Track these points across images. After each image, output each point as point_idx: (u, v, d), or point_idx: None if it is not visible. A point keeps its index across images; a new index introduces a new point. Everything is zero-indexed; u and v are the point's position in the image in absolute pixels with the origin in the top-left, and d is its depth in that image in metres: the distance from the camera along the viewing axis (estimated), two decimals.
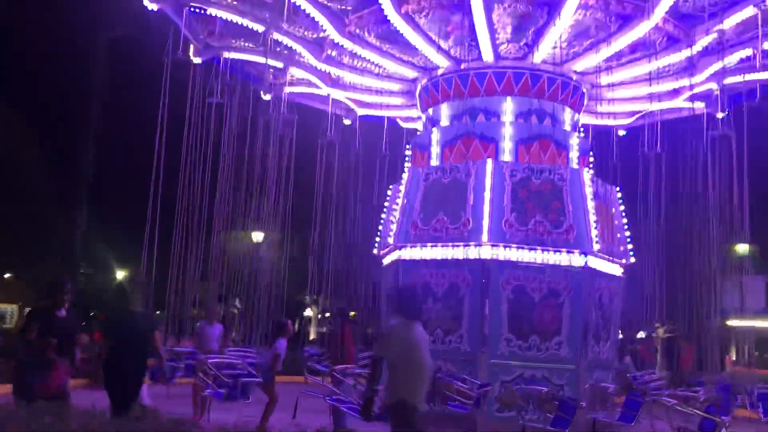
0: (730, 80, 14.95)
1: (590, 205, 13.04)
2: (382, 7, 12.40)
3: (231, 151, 17.78)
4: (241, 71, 17.60)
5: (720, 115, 16.86)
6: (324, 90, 16.80)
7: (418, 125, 16.33)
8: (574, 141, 14.14)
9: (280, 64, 16.42)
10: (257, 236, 28.94)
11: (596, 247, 12.83)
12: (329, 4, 13.26)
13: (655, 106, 15.90)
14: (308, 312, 42.45)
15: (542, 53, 13.22)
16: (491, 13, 12.27)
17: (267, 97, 18.88)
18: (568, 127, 14.29)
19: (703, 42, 12.90)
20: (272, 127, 18.52)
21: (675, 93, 15.69)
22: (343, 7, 13.33)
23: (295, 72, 16.78)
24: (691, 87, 14.71)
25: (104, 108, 34.93)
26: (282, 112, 18.39)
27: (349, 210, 20.59)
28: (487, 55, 13.20)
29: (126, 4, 16.38)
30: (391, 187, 15.69)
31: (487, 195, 12.72)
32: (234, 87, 17.75)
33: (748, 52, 13.96)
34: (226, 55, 16.82)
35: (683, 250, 21.64)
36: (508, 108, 13.76)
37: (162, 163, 14.46)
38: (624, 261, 14.11)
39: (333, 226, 20.10)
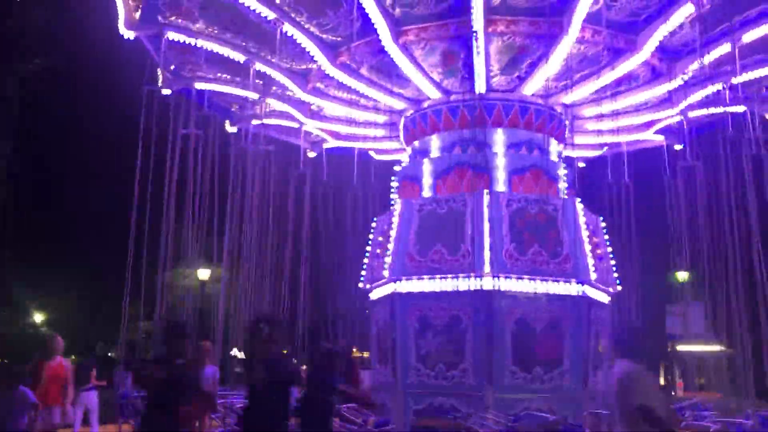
0: (696, 113, 15.65)
1: (584, 234, 13.22)
2: (380, 38, 12.28)
3: (195, 185, 17.09)
4: (209, 103, 17.10)
5: (678, 147, 17.62)
6: (302, 121, 16.47)
7: (403, 157, 16.23)
8: (562, 171, 14.36)
9: (256, 96, 16.02)
10: (203, 273, 28.16)
11: (593, 276, 12.98)
12: (322, 36, 13.05)
13: (628, 138, 16.43)
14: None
15: (534, 86, 13.44)
16: (489, 46, 12.36)
17: (233, 129, 18.44)
18: (555, 158, 14.52)
19: (684, 76, 13.40)
20: (235, 160, 18.04)
21: (647, 125, 16.24)
22: (336, 38, 13.15)
23: (271, 103, 16.41)
24: (664, 120, 15.30)
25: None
26: (250, 145, 17.94)
27: (319, 244, 20.16)
28: (480, 87, 13.29)
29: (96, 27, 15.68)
30: (375, 219, 15.46)
31: (486, 226, 12.68)
32: (203, 119, 17.16)
33: (718, 86, 14.62)
34: (198, 86, 16.33)
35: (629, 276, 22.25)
36: (499, 139, 13.88)
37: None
38: (611, 289, 14.34)
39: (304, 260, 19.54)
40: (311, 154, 19.44)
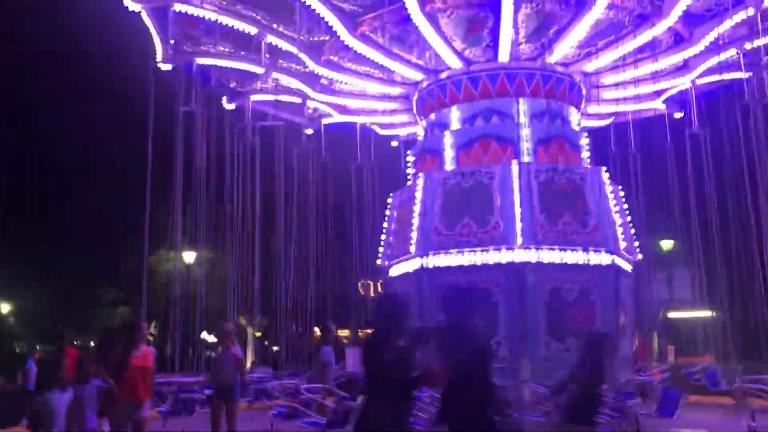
0: (705, 80, 15.67)
1: (612, 203, 13.14)
2: (407, 5, 11.89)
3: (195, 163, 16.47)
4: (205, 78, 16.49)
5: (678, 115, 17.68)
6: (310, 96, 15.98)
7: (415, 130, 15.91)
8: (584, 141, 14.21)
9: (261, 70, 15.49)
10: (189, 256, 27.20)
11: (622, 245, 12.93)
12: (342, 5, 12.60)
13: (638, 106, 16.37)
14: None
15: (558, 54, 13.21)
16: (518, 13, 12.08)
17: (231, 106, 17.87)
18: (576, 127, 14.37)
19: (705, 41, 13.33)
20: (236, 137, 17.49)
21: (657, 93, 16.20)
22: (356, 7, 12.71)
23: (278, 77, 15.89)
24: (678, 87, 15.26)
25: None
26: (250, 121, 17.43)
27: (320, 223, 19.69)
28: (504, 56, 13.01)
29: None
30: (391, 194, 15.15)
31: (516, 197, 12.49)
32: (197, 97, 16.48)
33: (731, 52, 14.62)
34: (200, 60, 15.72)
35: None
36: (522, 109, 13.62)
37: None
38: (632, 258, 14.32)
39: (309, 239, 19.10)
40: (308, 131, 19.01)
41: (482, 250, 12.58)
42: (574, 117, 14.30)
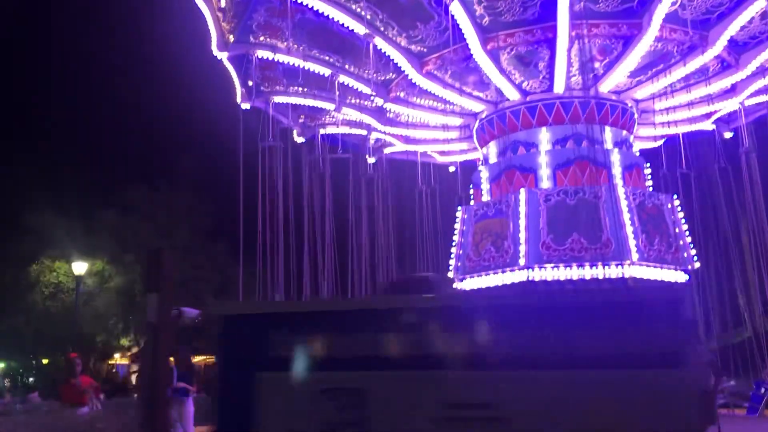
0: (753, 100, 16.43)
1: (626, 217, 13.88)
2: (469, 46, 13.09)
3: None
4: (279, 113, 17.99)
5: (728, 135, 18.39)
6: (377, 128, 17.28)
7: (476, 154, 17.09)
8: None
9: (332, 106, 16.88)
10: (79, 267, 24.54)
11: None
12: (410, 47, 13.87)
13: (689, 127, 17.20)
14: None
15: (610, 84, 14.24)
16: (571, 48, 13.15)
17: (301, 139, 19.29)
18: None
19: (752, 67, 14.18)
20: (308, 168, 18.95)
21: (707, 115, 16.99)
22: (422, 48, 13.97)
23: (347, 112, 17.22)
24: (725, 109, 16.10)
25: None
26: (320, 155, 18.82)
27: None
28: (559, 87, 14.10)
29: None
30: (460, 208, 16.20)
31: (627, 216, 13.63)
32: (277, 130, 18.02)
33: None
34: (276, 99, 17.19)
35: None
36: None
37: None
38: (685, 267, 14.99)
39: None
40: (371, 160, 20.34)
41: (591, 265, 13.47)
42: (608, 136, 15.19)
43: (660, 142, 18.41)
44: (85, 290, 26.44)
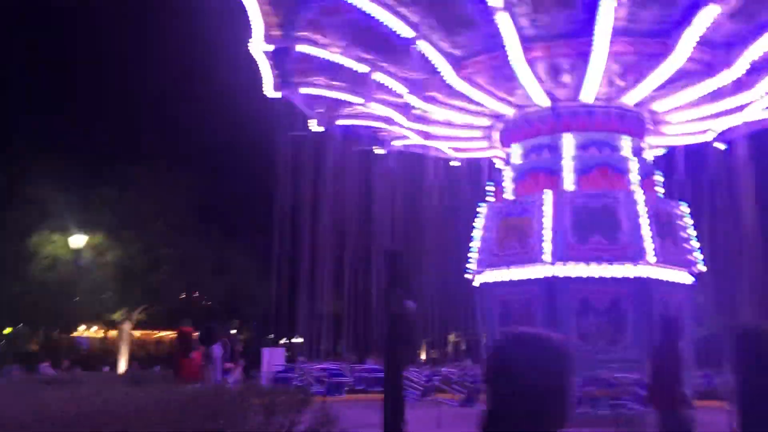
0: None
1: (643, 221, 14.94)
2: (509, 54, 13.86)
3: None
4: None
5: (721, 147, 19.62)
6: (402, 124, 17.96)
7: (497, 153, 17.93)
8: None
9: (360, 100, 17.51)
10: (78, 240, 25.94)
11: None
12: (451, 51, 14.56)
13: (690, 140, 18.36)
14: None
15: (633, 96, 15.21)
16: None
17: (320, 128, 19.89)
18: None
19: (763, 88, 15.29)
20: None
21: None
22: (461, 52, 14.68)
23: (372, 107, 17.83)
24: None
25: None
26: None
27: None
28: (589, 97, 15.01)
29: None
30: (481, 204, 17.08)
31: (645, 221, 14.68)
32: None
33: None
34: (303, 90, 17.73)
35: None
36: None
37: None
38: (691, 269, 16.11)
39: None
40: (380, 151, 21.13)
41: (608, 264, 14.46)
42: (626, 144, 16.21)
43: (663, 151, 19.58)
44: (82, 264, 26.67)
